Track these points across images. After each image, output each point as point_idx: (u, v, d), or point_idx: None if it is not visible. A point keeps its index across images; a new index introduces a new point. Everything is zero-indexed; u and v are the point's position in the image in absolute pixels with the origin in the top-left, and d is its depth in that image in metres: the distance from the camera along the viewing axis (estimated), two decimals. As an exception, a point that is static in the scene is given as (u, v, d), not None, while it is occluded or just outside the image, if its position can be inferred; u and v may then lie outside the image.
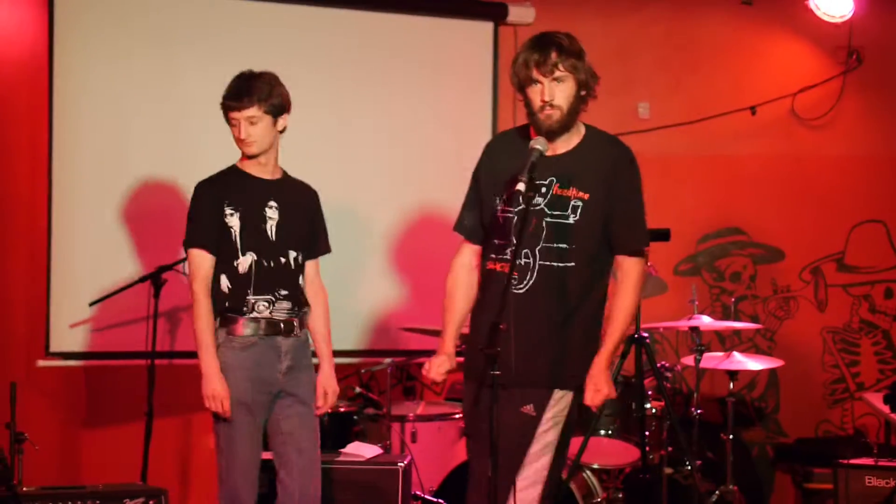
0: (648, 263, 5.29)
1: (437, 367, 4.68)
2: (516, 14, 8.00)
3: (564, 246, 4.49)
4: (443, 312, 4.82)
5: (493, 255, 4.61)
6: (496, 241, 4.60)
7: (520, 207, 4.48)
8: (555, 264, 4.49)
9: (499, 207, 4.63)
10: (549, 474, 4.56)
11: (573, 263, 4.50)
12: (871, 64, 8.47)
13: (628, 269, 4.61)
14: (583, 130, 4.64)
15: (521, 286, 4.51)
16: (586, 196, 4.51)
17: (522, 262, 4.51)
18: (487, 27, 7.95)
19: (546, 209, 4.51)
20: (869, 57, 8.46)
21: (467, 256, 4.83)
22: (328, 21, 7.57)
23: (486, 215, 4.70)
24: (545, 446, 4.55)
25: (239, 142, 5.29)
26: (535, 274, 4.51)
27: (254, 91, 5.22)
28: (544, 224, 4.51)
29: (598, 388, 4.52)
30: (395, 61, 7.74)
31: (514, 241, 4.49)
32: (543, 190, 4.52)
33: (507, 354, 4.35)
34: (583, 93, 4.54)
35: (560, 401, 4.55)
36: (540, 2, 8.07)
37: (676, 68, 8.46)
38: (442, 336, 4.81)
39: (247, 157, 5.34)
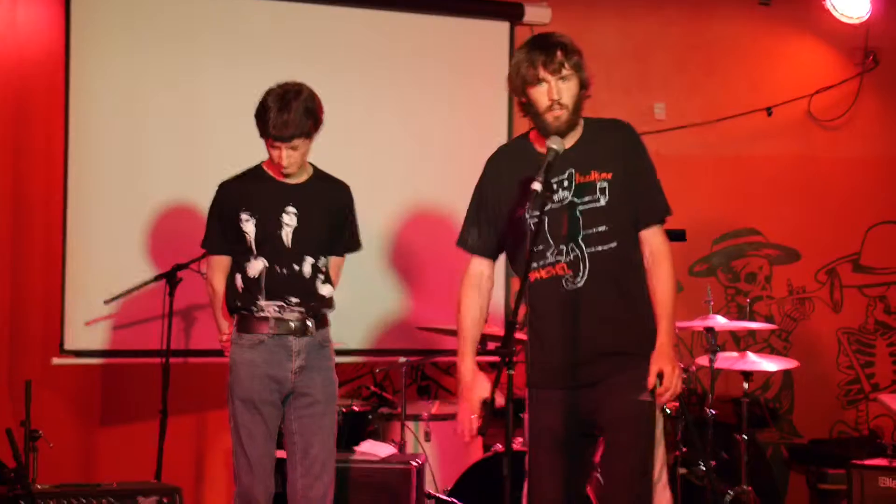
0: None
1: (467, 419, 4.44)
2: (533, 14, 7.99)
3: (604, 228, 4.45)
4: (458, 338, 4.66)
5: (535, 264, 4.50)
6: (535, 248, 4.47)
7: (547, 208, 4.45)
8: (601, 248, 4.45)
9: (526, 215, 4.52)
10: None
11: (615, 243, 4.46)
12: (887, 65, 8.46)
13: (658, 241, 4.55)
14: (581, 122, 4.60)
15: (579, 280, 4.46)
16: (609, 176, 4.48)
17: (571, 258, 4.46)
18: (504, 27, 7.94)
19: (575, 199, 4.48)
20: (886, 58, 8.45)
21: (474, 272, 4.71)
22: (344, 20, 7.56)
23: (505, 228, 4.62)
24: (661, 433, 4.55)
25: (277, 166, 5.31)
26: (588, 263, 4.46)
27: (299, 124, 5.21)
28: (578, 213, 4.47)
29: (662, 369, 4.37)
30: (412, 60, 7.73)
31: (551, 242, 4.48)
32: (566, 183, 4.49)
33: (584, 350, 4.42)
34: (583, 91, 4.52)
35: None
36: (556, 2, 8.05)
37: (693, 69, 8.45)
38: (460, 368, 4.61)
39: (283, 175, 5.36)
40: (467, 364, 4.55)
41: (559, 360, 4.46)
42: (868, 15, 8.09)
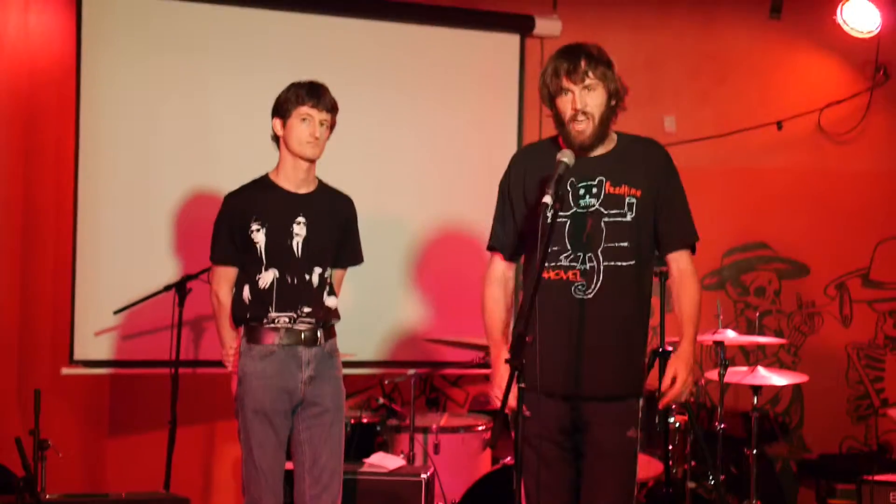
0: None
1: (499, 387, 4.46)
2: (543, 26, 7.99)
3: (625, 244, 4.42)
4: (486, 331, 4.68)
5: (548, 264, 4.43)
6: (552, 248, 4.41)
7: (571, 212, 4.44)
8: (620, 264, 4.42)
9: (549, 213, 4.43)
10: None
11: (633, 262, 4.43)
12: (898, 80, 8.46)
13: (686, 262, 4.57)
14: (615, 136, 4.57)
15: (590, 291, 4.42)
16: (639, 193, 4.45)
17: (588, 267, 4.42)
18: (514, 39, 7.94)
19: (602, 209, 4.44)
20: (896, 73, 8.45)
21: (500, 271, 4.71)
22: (356, 32, 7.57)
23: (524, 225, 4.56)
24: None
25: (307, 143, 5.28)
26: (602, 276, 4.41)
27: (330, 98, 5.32)
28: (602, 224, 4.43)
29: (677, 372, 4.43)
30: (423, 73, 7.73)
31: (568, 246, 4.43)
32: (594, 190, 4.45)
33: (578, 363, 4.37)
34: (613, 102, 4.46)
35: (640, 410, 4.52)
36: (567, 14, 8.06)
37: (703, 81, 8.44)
38: (495, 358, 4.61)
39: (305, 159, 5.32)
40: (498, 356, 4.56)
41: (552, 365, 4.35)
42: (878, 29, 8.08)
